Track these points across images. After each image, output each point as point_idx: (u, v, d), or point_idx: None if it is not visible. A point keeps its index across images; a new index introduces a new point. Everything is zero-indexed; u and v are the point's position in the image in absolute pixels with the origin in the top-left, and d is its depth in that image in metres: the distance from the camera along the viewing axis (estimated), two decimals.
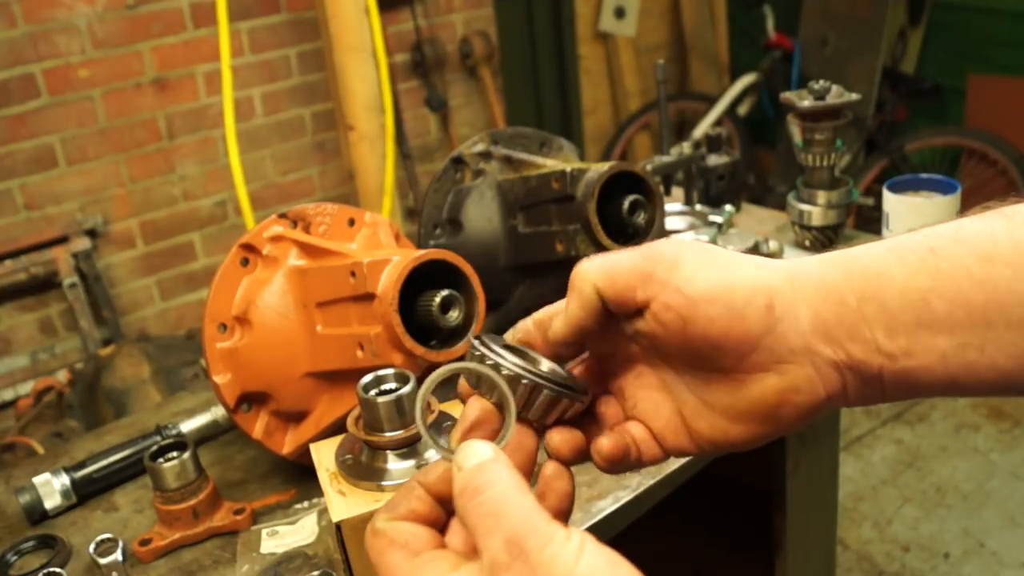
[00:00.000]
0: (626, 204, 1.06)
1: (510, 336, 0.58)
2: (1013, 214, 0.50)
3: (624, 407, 0.58)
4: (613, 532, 1.04)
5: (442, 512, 0.52)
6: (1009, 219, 0.49)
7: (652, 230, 1.09)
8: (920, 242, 0.51)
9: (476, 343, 0.55)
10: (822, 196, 1.48)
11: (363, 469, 0.84)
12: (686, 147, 1.70)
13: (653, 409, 0.57)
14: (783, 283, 0.51)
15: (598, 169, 1.07)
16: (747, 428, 0.54)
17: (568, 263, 0.93)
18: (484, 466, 0.47)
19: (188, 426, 1.21)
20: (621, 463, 0.56)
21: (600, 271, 0.52)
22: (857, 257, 0.52)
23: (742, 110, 4.12)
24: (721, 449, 0.56)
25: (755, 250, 1.46)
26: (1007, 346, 0.48)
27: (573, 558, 0.42)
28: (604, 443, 0.55)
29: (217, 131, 3.29)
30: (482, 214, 1.22)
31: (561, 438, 0.55)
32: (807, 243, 1.53)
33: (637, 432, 0.57)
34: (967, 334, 0.49)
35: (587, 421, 0.57)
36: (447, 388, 0.57)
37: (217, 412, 1.23)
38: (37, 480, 1.11)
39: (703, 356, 0.52)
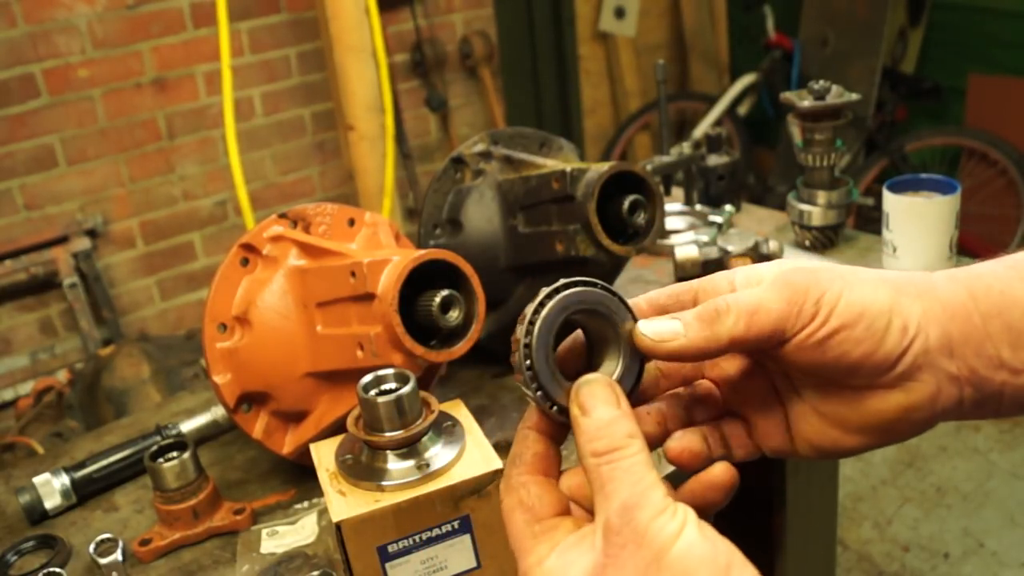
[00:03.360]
0: (626, 204, 1.06)
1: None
2: None
3: (724, 396, 0.59)
4: None
5: (556, 447, 0.55)
6: None
7: (652, 230, 1.09)
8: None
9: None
10: (822, 196, 1.48)
11: (363, 469, 0.84)
12: (686, 147, 1.70)
13: (759, 408, 0.57)
14: (915, 303, 0.52)
15: (598, 169, 1.07)
16: (859, 440, 0.54)
17: (568, 263, 0.94)
18: (616, 422, 0.49)
19: (188, 426, 1.21)
20: (688, 465, 0.58)
21: (746, 323, 0.51)
22: (980, 275, 0.53)
23: (742, 110, 4.13)
24: (824, 456, 0.56)
25: (755, 250, 1.46)
26: None
27: (676, 529, 0.45)
28: (673, 444, 0.57)
29: (217, 131, 3.29)
30: (482, 214, 1.22)
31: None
32: (807, 243, 1.53)
33: (731, 429, 0.58)
34: None
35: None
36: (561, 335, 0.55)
37: (217, 412, 1.23)
38: (37, 480, 1.11)
39: (835, 375, 0.52)
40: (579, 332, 0.56)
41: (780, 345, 0.51)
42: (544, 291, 0.54)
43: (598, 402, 0.50)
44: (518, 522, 0.52)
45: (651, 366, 0.58)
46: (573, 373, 0.53)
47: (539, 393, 0.52)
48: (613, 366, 0.54)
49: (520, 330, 0.53)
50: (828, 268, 0.53)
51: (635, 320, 0.54)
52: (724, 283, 0.55)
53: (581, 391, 0.50)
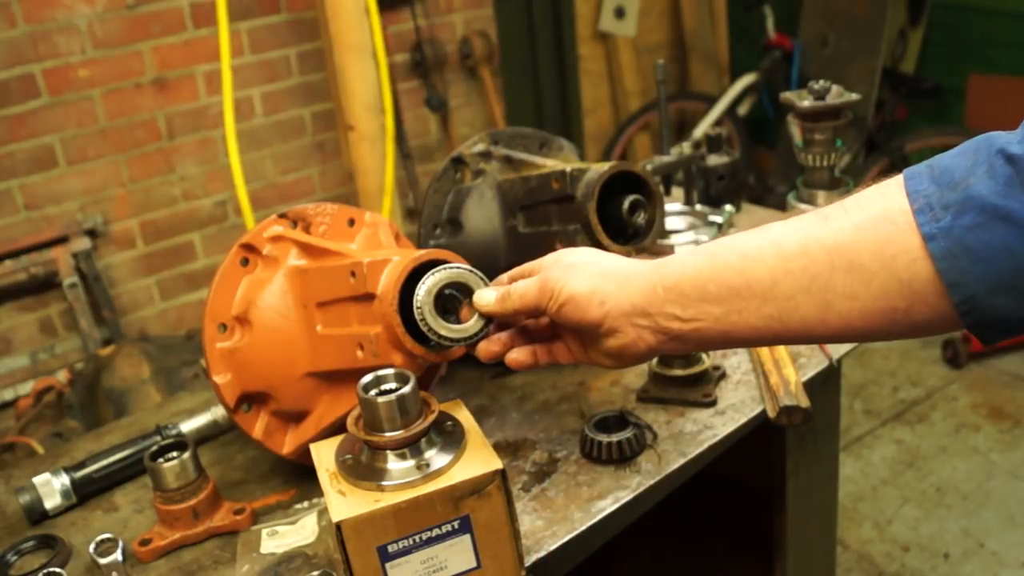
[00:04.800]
0: (626, 204, 1.06)
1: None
2: (769, 227, 0.76)
3: (553, 329, 0.95)
4: (613, 532, 1.04)
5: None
6: (763, 230, 0.76)
7: (652, 230, 1.09)
8: (708, 248, 0.80)
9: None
10: (822, 196, 1.48)
11: (363, 469, 0.84)
12: (686, 147, 1.70)
13: (568, 338, 0.93)
14: (613, 286, 0.83)
15: (598, 169, 1.07)
16: (610, 361, 0.88)
17: None
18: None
19: (188, 426, 1.21)
20: (519, 367, 0.94)
21: (519, 302, 0.89)
22: (672, 260, 0.82)
23: (742, 110, 4.12)
24: (606, 365, 0.89)
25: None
26: (754, 311, 0.76)
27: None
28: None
29: (217, 131, 3.29)
30: (482, 214, 1.22)
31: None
32: None
33: (557, 347, 0.94)
34: (729, 303, 0.77)
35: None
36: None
37: (217, 412, 1.23)
38: (37, 480, 1.11)
39: (576, 330, 0.89)
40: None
41: (543, 313, 0.87)
42: (430, 272, 0.90)
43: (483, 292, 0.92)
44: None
45: None
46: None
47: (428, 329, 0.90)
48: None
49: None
50: (570, 264, 0.87)
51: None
52: (538, 265, 0.90)
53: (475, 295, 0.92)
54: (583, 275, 0.85)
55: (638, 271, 0.83)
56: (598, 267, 0.85)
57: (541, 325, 0.95)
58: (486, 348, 0.93)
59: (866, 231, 0.69)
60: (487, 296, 0.91)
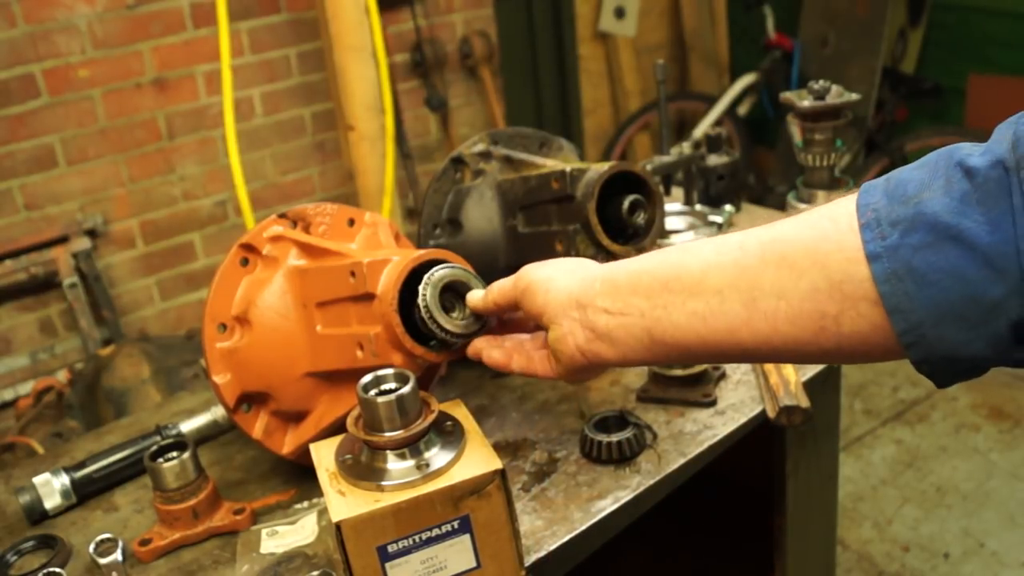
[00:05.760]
0: (626, 204, 1.06)
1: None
2: (719, 238, 0.73)
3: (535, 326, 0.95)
4: (613, 532, 1.04)
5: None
6: (716, 242, 0.73)
7: (652, 230, 1.09)
8: (661, 249, 0.78)
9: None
10: (822, 196, 1.48)
11: (363, 469, 0.84)
12: (686, 147, 1.70)
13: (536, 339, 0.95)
14: (563, 277, 0.84)
15: (598, 169, 1.07)
16: (557, 367, 0.87)
17: None
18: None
19: (188, 426, 1.21)
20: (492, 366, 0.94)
21: (498, 298, 0.91)
22: (619, 261, 0.82)
23: (742, 110, 4.12)
24: (555, 374, 0.89)
25: None
26: (679, 305, 0.73)
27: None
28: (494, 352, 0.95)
29: (217, 131, 3.29)
30: (482, 214, 1.22)
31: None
32: None
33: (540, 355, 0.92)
34: (656, 297, 0.74)
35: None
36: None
37: (217, 412, 1.23)
38: (37, 480, 1.11)
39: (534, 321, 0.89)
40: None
41: (518, 305, 0.88)
42: (432, 269, 0.93)
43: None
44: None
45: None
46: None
47: (435, 325, 0.92)
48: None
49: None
50: (548, 263, 0.88)
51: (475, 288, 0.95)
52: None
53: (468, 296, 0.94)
54: (548, 267, 0.86)
55: (590, 266, 0.83)
56: (568, 263, 0.86)
57: (535, 335, 0.96)
58: (473, 346, 0.95)
59: (804, 227, 0.65)
60: (478, 293, 0.93)
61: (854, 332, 0.63)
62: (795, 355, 0.69)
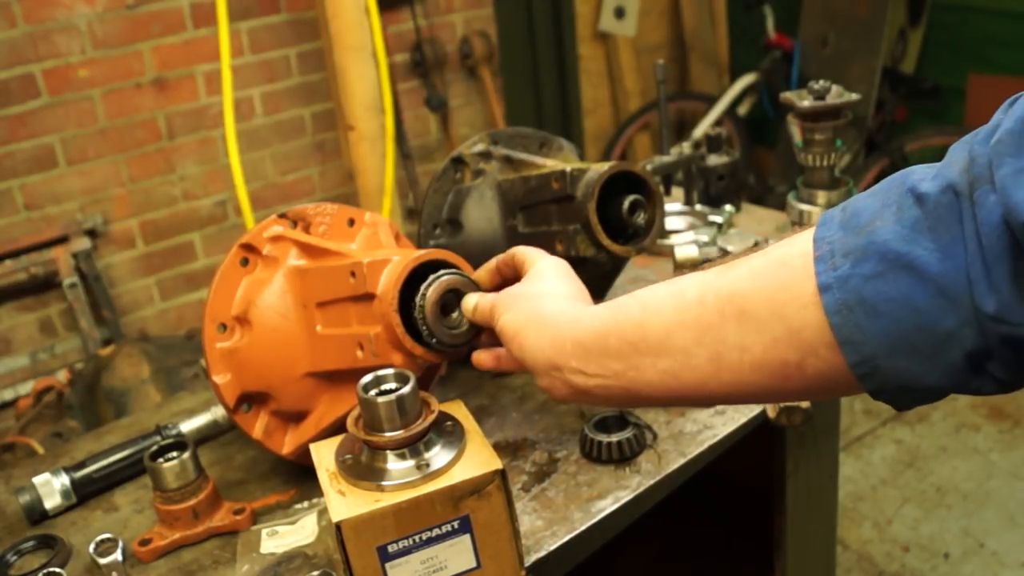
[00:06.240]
0: (626, 204, 1.06)
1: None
2: (682, 277, 0.73)
3: None
4: (613, 532, 1.04)
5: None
6: (676, 280, 0.73)
7: (652, 230, 1.09)
8: (621, 300, 0.77)
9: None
10: (822, 196, 1.48)
11: (363, 469, 0.84)
12: (686, 147, 1.70)
13: None
14: (533, 334, 0.82)
15: (598, 169, 1.07)
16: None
17: (568, 263, 0.94)
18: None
19: (188, 426, 1.21)
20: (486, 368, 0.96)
21: (480, 313, 0.93)
22: (589, 312, 0.80)
23: (742, 110, 4.12)
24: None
25: (755, 250, 1.46)
26: (649, 365, 0.72)
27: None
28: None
29: (217, 131, 3.29)
30: (482, 214, 1.22)
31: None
32: None
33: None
34: (627, 359, 0.73)
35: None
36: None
37: (217, 412, 1.23)
38: (37, 480, 1.11)
39: None
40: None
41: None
42: (431, 277, 0.94)
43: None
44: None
45: None
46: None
47: (433, 339, 0.94)
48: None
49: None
50: (519, 293, 0.88)
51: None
52: (522, 259, 0.93)
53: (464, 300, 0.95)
54: (518, 311, 0.85)
55: (557, 323, 0.81)
56: (533, 305, 0.85)
57: None
58: (476, 356, 0.96)
59: (760, 277, 0.64)
60: (472, 299, 0.94)
61: (817, 375, 0.63)
62: (766, 398, 0.72)
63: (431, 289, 0.93)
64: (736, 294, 0.66)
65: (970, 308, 0.54)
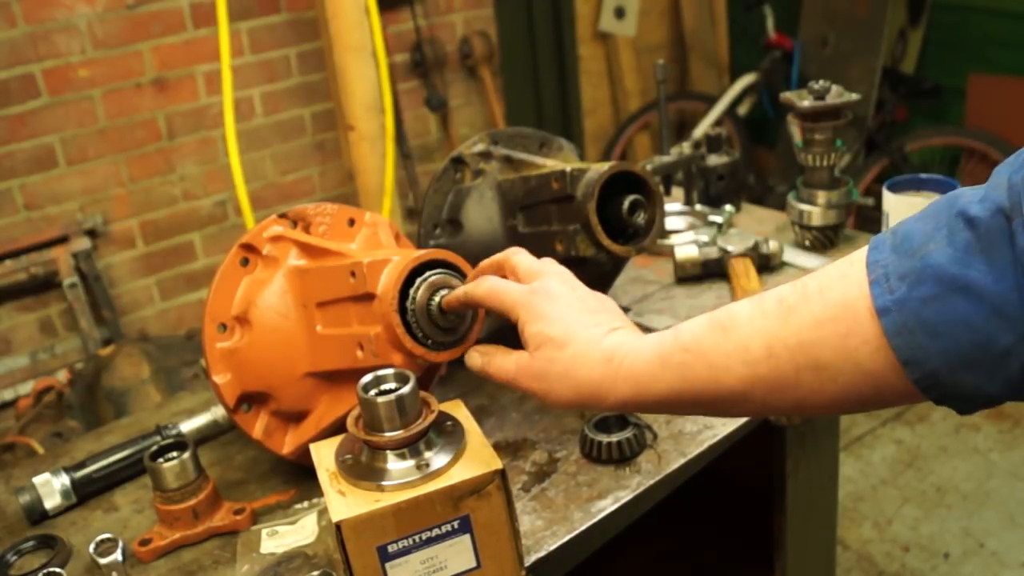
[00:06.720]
0: (626, 204, 1.06)
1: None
2: (733, 322, 0.72)
3: None
4: (613, 532, 1.04)
5: None
6: (728, 327, 0.72)
7: (652, 230, 1.09)
8: (673, 356, 0.74)
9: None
10: (822, 196, 1.48)
11: (363, 469, 0.84)
12: (686, 147, 1.70)
13: None
14: (583, 378, 0.78)
15: (598, 169, 1.07)
16: None
17: (568, 263, 0.94)
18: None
19: (188, 426, 1.21)
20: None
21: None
22: (636, 362, 0.76)
23: (742, 110, 4.12)
24: None
25: (755, 250, 1.46)
26: (729, 409, 0.75)
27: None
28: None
29: (217, 131, 3.29)
30: (482, 214, 1.22)
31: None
32: (807, 243, 1.53)
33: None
34: (705, 410, 0.77)
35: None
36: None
37: (217, 412, 1.23)
38: (37, 480, 1.11)
39: None
40: None
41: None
42: (417, 280, 0.93)
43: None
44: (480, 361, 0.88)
45: None
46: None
47: (428, 340, 0.93)
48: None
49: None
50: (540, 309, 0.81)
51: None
52: (507, 266, 0.89)
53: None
54: (550, 329, 0.80)
55: (607, 370, 0.77)
56: (565, 333, 0.79)
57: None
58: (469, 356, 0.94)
59: (826, 326, 0.66)
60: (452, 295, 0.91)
61: (895, 398, 0.66)
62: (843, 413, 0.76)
63: (419, 291, 0.92)
64: (806, 345, 0.67)
65: None
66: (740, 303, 0.74)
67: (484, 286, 0.85)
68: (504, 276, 0.88)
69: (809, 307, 0.67)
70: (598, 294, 0.85)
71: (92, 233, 3.15)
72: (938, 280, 0.59)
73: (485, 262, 0.91)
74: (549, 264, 0.86)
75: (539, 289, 0.82)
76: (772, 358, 0.69)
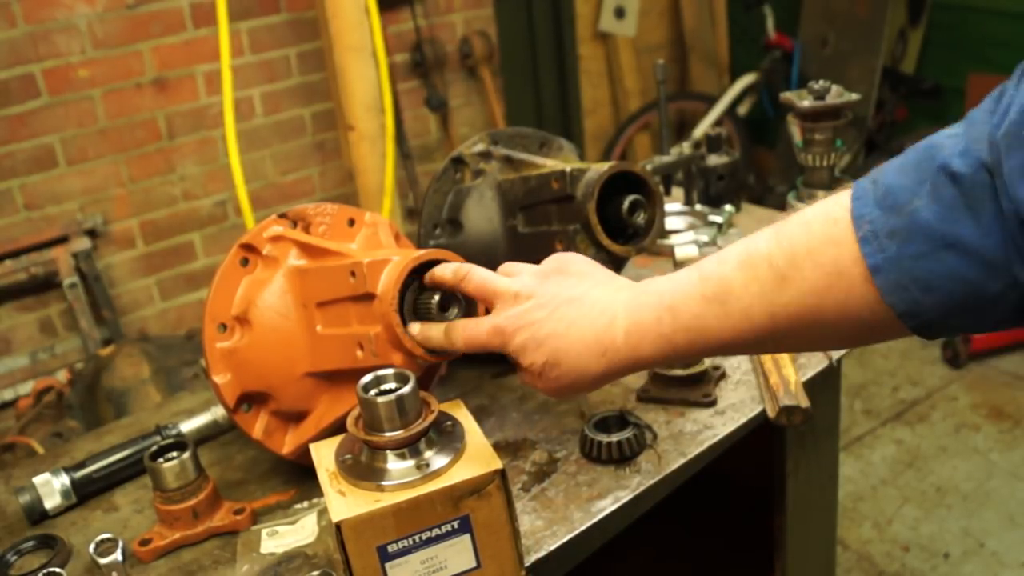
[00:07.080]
0: (626, 204, 1.06)
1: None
2: (728, 290, 0.74)
3: None
4: (613, 532, 1.04)
5: None
6: (725, 296, 0.74)
7: (652, 230, 1.09)
8: (684, 328, 0.78)
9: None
10: (822, 196, 1.47)
11: (363, 469, 0.84)
12: (686, 147, 1.70)
13: None
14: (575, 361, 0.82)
15: (598, 169, 1.07)
16: None
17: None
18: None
19: (188, 426, 1.21)
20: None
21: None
22: (644, 338, 0.80)
23: (742, 110, 4.12)
24: None
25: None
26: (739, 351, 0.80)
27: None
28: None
29: (217, 131, 3.29)
30: (482, 214, 1.22)
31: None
32: None
33: None
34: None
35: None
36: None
37: (217, 412, 1.23)
38: (37, 480, 1.11)
39: None
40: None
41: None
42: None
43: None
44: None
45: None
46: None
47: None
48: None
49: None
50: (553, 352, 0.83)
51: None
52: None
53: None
54: (546, 322, 0.83)
55: (610, 355, 0.81)
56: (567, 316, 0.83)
57: None
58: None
59: (824, 294, 0.69)
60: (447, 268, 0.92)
61: (890, 337, 0.71)
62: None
63: (408, 292, 0.94)
64: (808, 310, 0.71)
65: (1011, 275, 0.60)
66: (721, 267, 0.76)
67: (476, 273, 0.90)
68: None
69: (803, 274, 0.69)
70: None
71: (92, 233, 3.15)
72: (927, 237, 0.62)
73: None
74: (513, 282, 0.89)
75: (506, 319, 0.87)
76: (776, 322, 0.72)
